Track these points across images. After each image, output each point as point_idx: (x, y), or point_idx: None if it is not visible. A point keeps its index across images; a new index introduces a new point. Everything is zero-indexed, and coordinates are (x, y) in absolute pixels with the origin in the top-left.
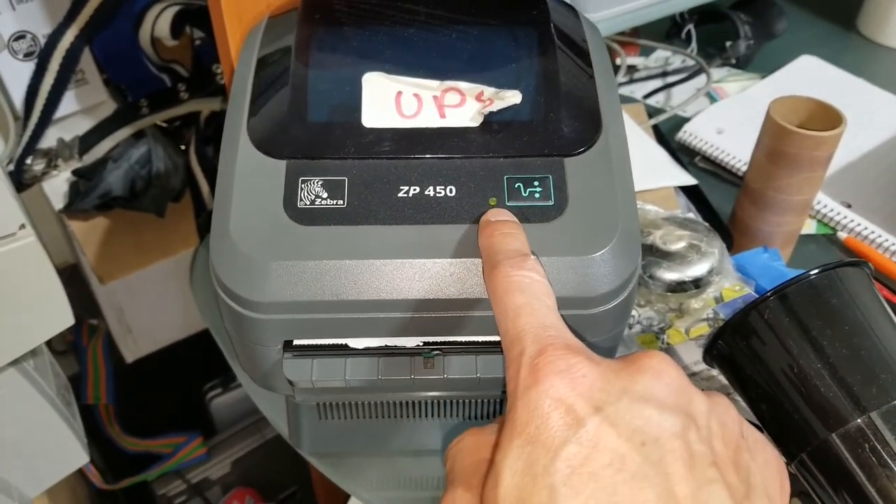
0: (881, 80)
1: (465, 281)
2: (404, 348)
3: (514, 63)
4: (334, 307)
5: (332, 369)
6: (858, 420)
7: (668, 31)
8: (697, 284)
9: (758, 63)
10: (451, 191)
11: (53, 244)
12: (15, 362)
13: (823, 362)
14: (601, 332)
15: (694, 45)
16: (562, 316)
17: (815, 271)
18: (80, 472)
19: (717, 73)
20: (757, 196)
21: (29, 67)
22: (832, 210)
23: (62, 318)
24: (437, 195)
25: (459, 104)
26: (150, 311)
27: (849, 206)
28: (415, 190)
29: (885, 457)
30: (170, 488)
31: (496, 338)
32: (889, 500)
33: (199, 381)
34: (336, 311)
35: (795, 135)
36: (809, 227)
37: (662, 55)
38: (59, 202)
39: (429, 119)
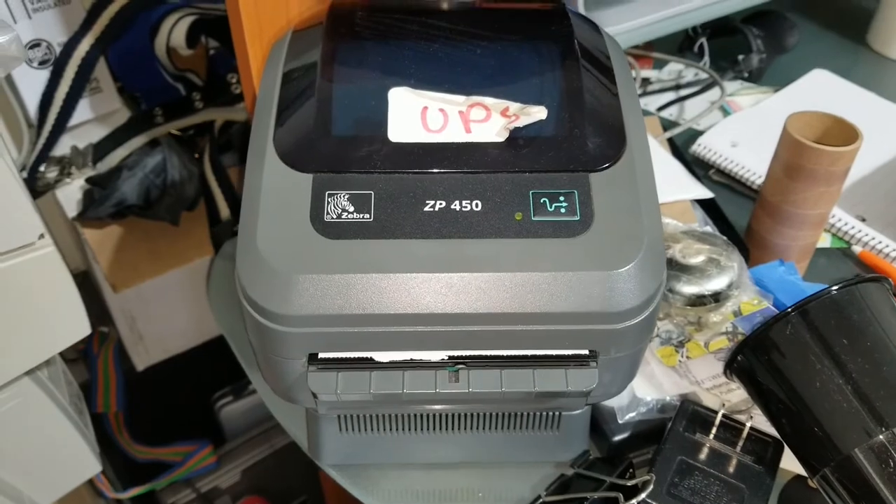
0: (891, 93)
1: (490, 295)
2: (429, 362)
3: (539, 79)
4: (360, 321)
5: (358, 382)
6: (881, 436)
7: (681, 44)
8: (717, 298)
9: (770, 76)
10: (478, 205)
11: (65, 252)
12: (29, 371)
13: (845, 377)
14: (626, 346)
15: (707, 58)
16: (587, 331)
17: (836, 287)
18: (91, 481)
19: (729, 86)
20: (774, 210)
21: (44, 75)
22: (847, 224)
23: (79, 327)
24: (464, 209)
25: (485, 119)
26: (162, 319)
27: (863, 220)
28: (441, 204)
29: None
30: (179, 497)
31: (520, 352)
32: None
33: (210, 389)
34: (362, 325)
35: (812, 150)
36: (824, 241)
37: (675, 68)
38: (72, 210)
39: (454, 134)
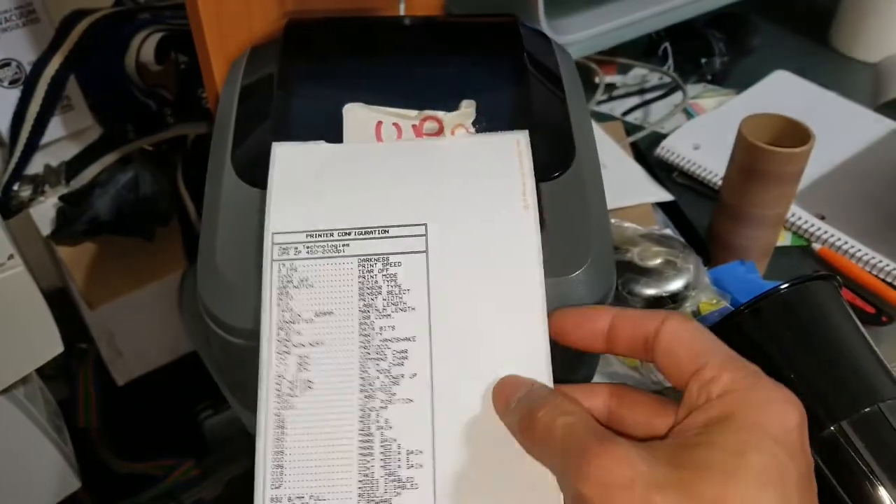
0: (853, 92)
1: None
2: None
3: (489, 91)
4: None
5: None
6: (831, 428)
7: (645, 49)
8: (675, 299)
9: (733, 79)
10: None
11: (42, 269)
12: (5, 390)
13: (795, 373)
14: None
15: (670, 62)
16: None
17: (786, 285)
18: (73, 498)
19: (693, 89)
20: (732, 211)
21: (14, 95)
22: (806, 222)
23: (51, 345)
24: None
25: (438, 132)
26: (141, 334)
27: (822, 218)
28: None
29: (858, 463)
30: None
31: None
32: None
33: (192, 402)
34: None
35: (766, 152)
36: (784, 240)
37: (640, 73)
38: (46, 228)
39: None
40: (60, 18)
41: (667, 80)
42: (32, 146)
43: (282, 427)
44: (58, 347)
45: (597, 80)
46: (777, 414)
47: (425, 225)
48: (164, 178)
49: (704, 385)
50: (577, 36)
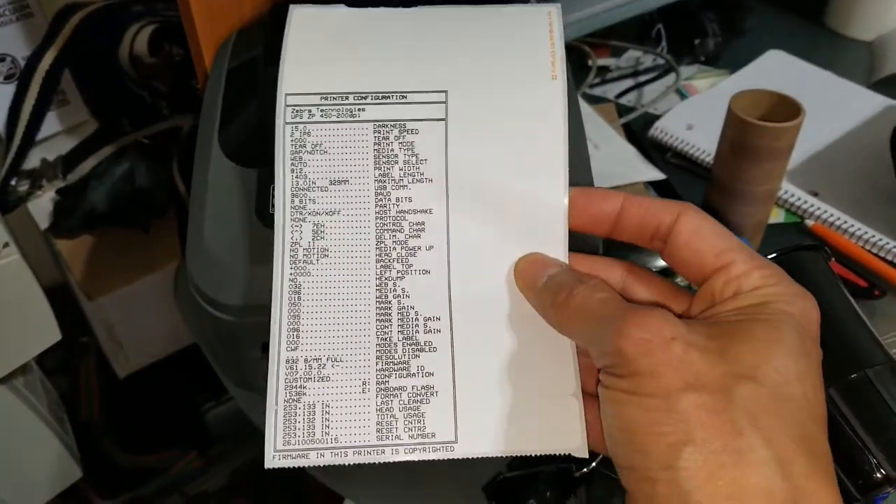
0: (847, 71)
1: None
2: None
3: None
4: None
5: None
6: None
7: (638, 31)
8: (665, 274)
9: (727, 59)
10: None
11: (42, 264)
12: (5, 380)
13: None
14: None
15: (664, 43)
16: None
17: (772, 256)
18: (75, 489)
19: (686, 70)
20: (723, 188)
21: (9, 90)
22: (799, 199)
23: (49, 334)
24: None
25: None
26: (140, 326)
27: (816, 195)
28: None
29: (846, 428)
30: (167, 503)
31: None
32: (851, 470)
33: (194, 393)
34: None
35: (755, 127)
36: (778, 217)
37: (633, 55)
38: (44, 222)
39: None
40: (54, 12)
41: (660, 61)
42: (29, 141)
43: (297, 292)
44: (55, 336)
45: (590, 62)
46: (802, 306)
47: (446, 92)
48: (160, 170)
49: (732, 280)
50: (568, 18)
